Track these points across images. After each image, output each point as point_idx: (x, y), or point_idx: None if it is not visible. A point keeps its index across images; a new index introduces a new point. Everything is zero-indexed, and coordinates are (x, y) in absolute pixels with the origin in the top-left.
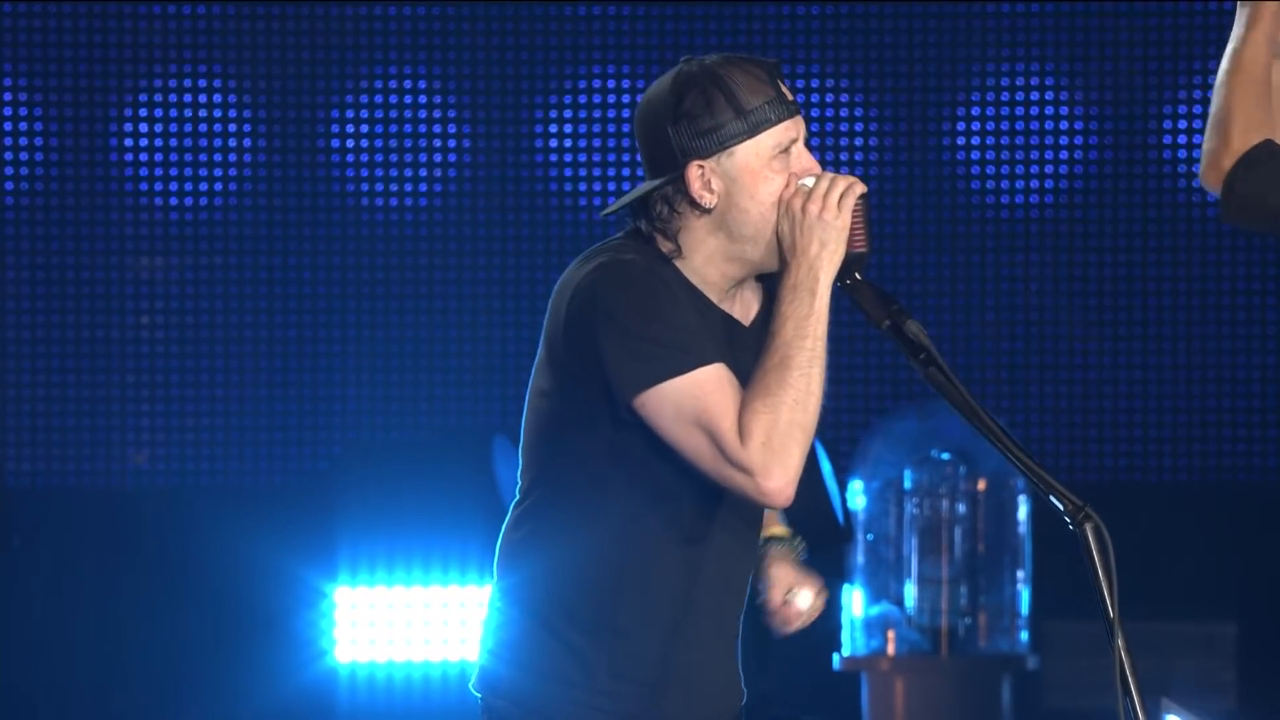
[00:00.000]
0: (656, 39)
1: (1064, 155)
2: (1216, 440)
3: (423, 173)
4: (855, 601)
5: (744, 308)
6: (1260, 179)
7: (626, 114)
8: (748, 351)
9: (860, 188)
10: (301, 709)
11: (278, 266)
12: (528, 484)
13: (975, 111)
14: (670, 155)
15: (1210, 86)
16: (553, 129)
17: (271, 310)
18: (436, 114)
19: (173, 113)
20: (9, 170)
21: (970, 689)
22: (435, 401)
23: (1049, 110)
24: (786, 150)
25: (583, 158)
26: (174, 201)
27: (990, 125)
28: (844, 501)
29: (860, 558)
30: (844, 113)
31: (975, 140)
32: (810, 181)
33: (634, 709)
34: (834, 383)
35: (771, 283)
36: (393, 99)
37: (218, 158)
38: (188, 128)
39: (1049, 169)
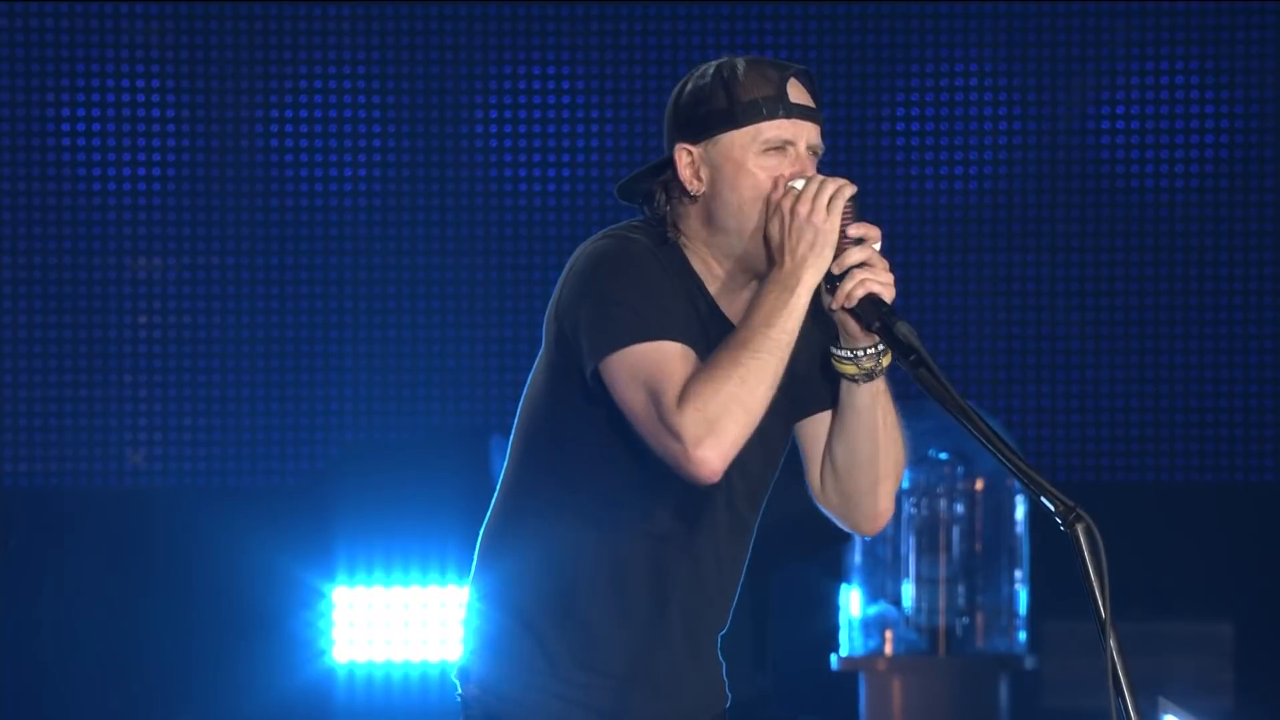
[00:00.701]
0: (654, 39)
1: (1060, 155)
2: (1214, 440)
3: (420, 172)
4: (853, 601)
5: (742, 307)
6: None
7: (624, 114)
8: None
9: (850, 190)
10: (299, 709)
11: (275, 267)
12: (508, 478)
13: (974, 111)
14: (670, 140)
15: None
16: (550, 129)
17: (269, 311)
18: (434, 114)
19: (170, 113)
20: (5, 170)
21: (968, 689)
22: (433, 402)
23: (1045, 110)
24: (780, 149)
25: (580, 158)
26: (171, 202)
27: (988, 125)
28: None
29: (858, 557)
30: (840, 112)
31: (973, 140)
32: (800, 184)
33: (599, 700)
34: None
35: None
36: (389, 99)
37: (215, 158)
38: (185, 128)
39: (1045, 169)
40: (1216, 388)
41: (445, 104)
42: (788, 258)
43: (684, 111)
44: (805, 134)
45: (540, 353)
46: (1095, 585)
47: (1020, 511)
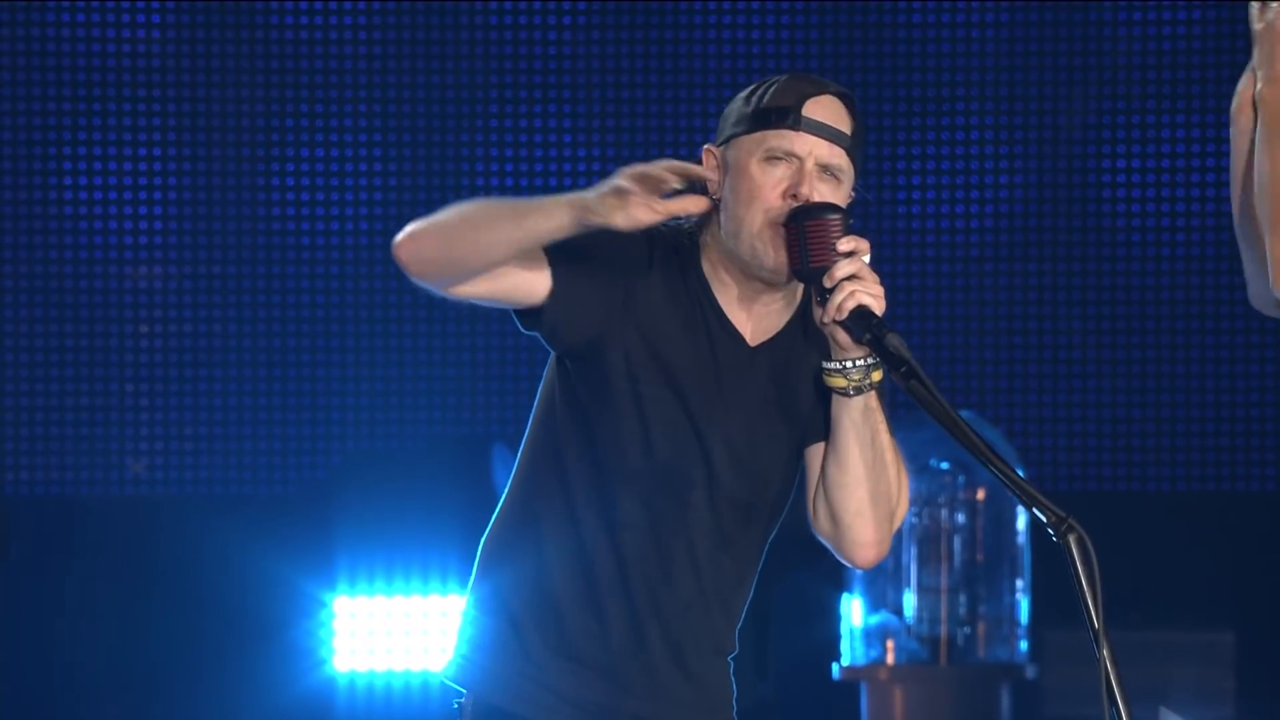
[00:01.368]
0: (656, 42)
1: (1061, 165)
2: (1215, 449)
3: (421, 181)
4: (854, 611)
5: (758, 322)
6: None
7: (625, 122)
8: (744, 370)
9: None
10: (300, 718)
11: (276, 276)
12: (511, 480)
13: (974, 120)
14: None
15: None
16: (552, 138)
17: (270, 319)
18: (435, 123)
19: (170, 122)
20: (6, 180)
21: (969, 698)
22: (434, 410)
23: (1047, 120)
24: (784, 160)
25: (581, 167)
26: (173, 211)
27: (989, 135)
28: None
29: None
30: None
31: (974, 149)
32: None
33: (571, 688)
34: None
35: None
36: (390, 108)
37: (216, 166)
38: (185, 137)
39: (1046, 178)
40: (1218, 397)
41: (447, 113)
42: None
43: (722, 116)
44: (816, 150)
45: None
46: (1088, 595)
47: (1021, 521)
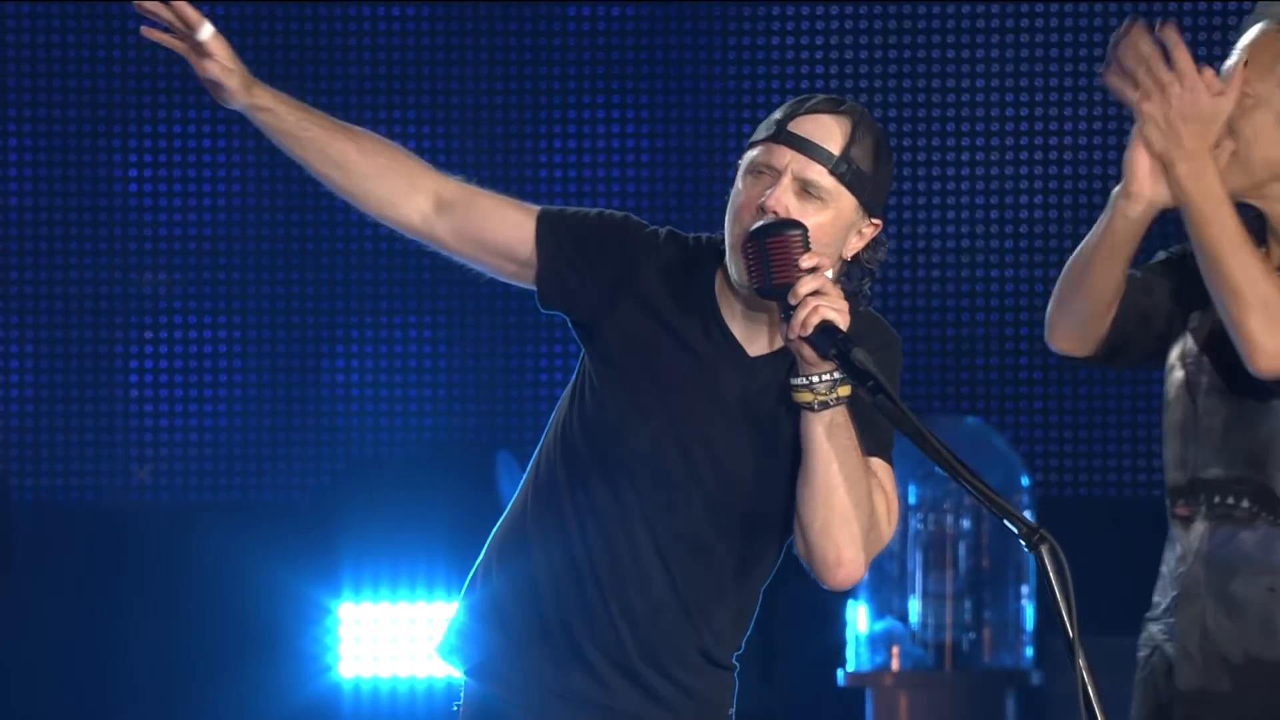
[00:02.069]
0: (660, 50)
1: (1068, 170)
2: None
3: None
4: (859, 617)
5: (757, 335)
6: None
7: (631, 129)
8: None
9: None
10: None
11: (281, 282)
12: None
13: (980, 126)
14: None
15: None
16: (557, 144)
17: (275, 326)
18: (440, 129)
19: (176, 128)
20: (14, 185)
21: (974, 704)
22: (439, 417)
23: (1053, 125)
24: (763, 173)
25: (587, 173)
26: (178, 217)
27: (995, 140)
28: None
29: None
30: None
31: (979, 155)
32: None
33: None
34: None
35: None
36: (395, 114)
37: (221, 173)
38: (191, 144)
39: (1052, 184)
40: None
41: (452, 118)
42: None
43: None
44: (794, 165)
45: None
46: (1062, 605)
47: None
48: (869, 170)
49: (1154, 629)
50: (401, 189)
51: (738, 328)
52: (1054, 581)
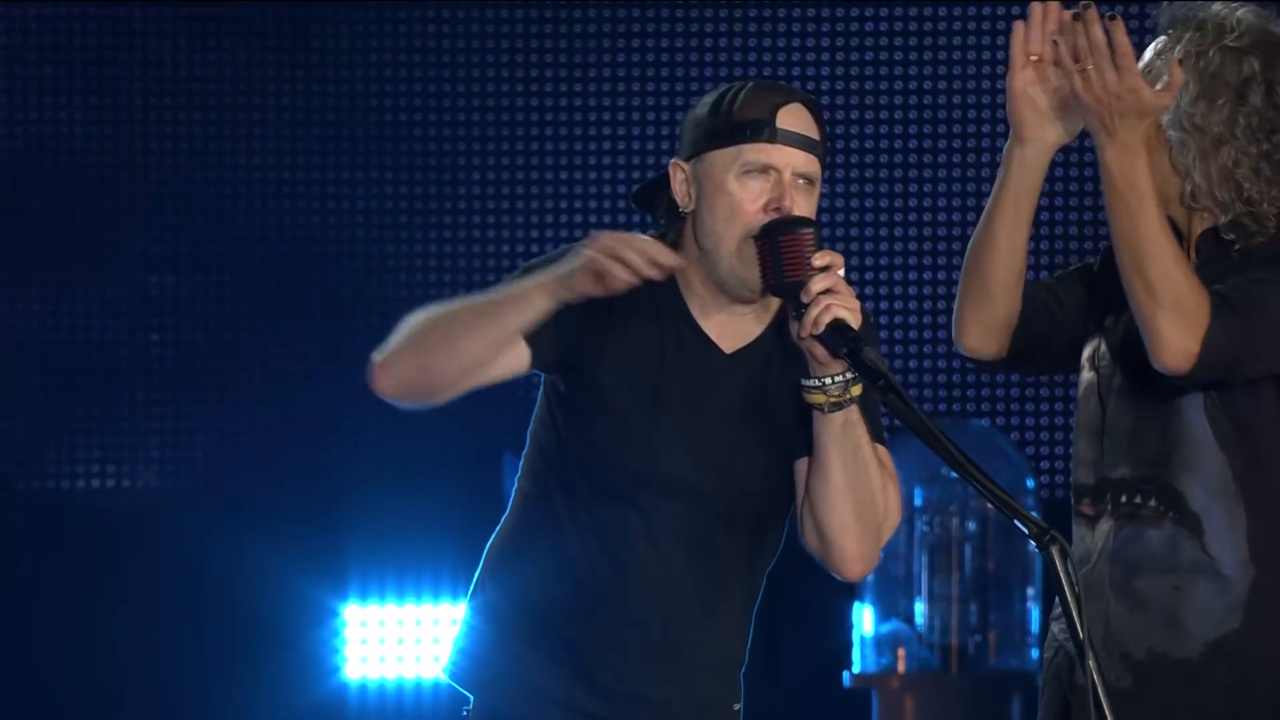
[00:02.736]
0: (653, 52)
1: (1074, 172)
2: None
3: (432, 190)
4: (865, 619)
5: (732, 331)
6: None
7: (635, 131)
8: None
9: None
10: None
11: (287, 284)
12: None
13: (986, 128)
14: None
15: None
16: (562, 146)
17: (282, 326)
18: (445, 131)
19: (181, 130)
20: (19, 186)
21: (980, 706)
22: (445, 420)
23: None
24: (761, 173)
25: (592, 176)
26: (184, 219)
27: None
28: None
29: (870, 575)
30: (854, 115)
31: (984, 157)
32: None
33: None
34: None
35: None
36: (401, 116)
37: (228, 175)
38: (197, 145)
39: (1059, 185)
40: None
41: (457, 121)
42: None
43: (684, 128)
44: (792, 161)
45: None
46: (1072, 606)
47: None
48: (830, 147)
49: (1055, 628)
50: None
51: (711, 328)
52: (1064, 582)
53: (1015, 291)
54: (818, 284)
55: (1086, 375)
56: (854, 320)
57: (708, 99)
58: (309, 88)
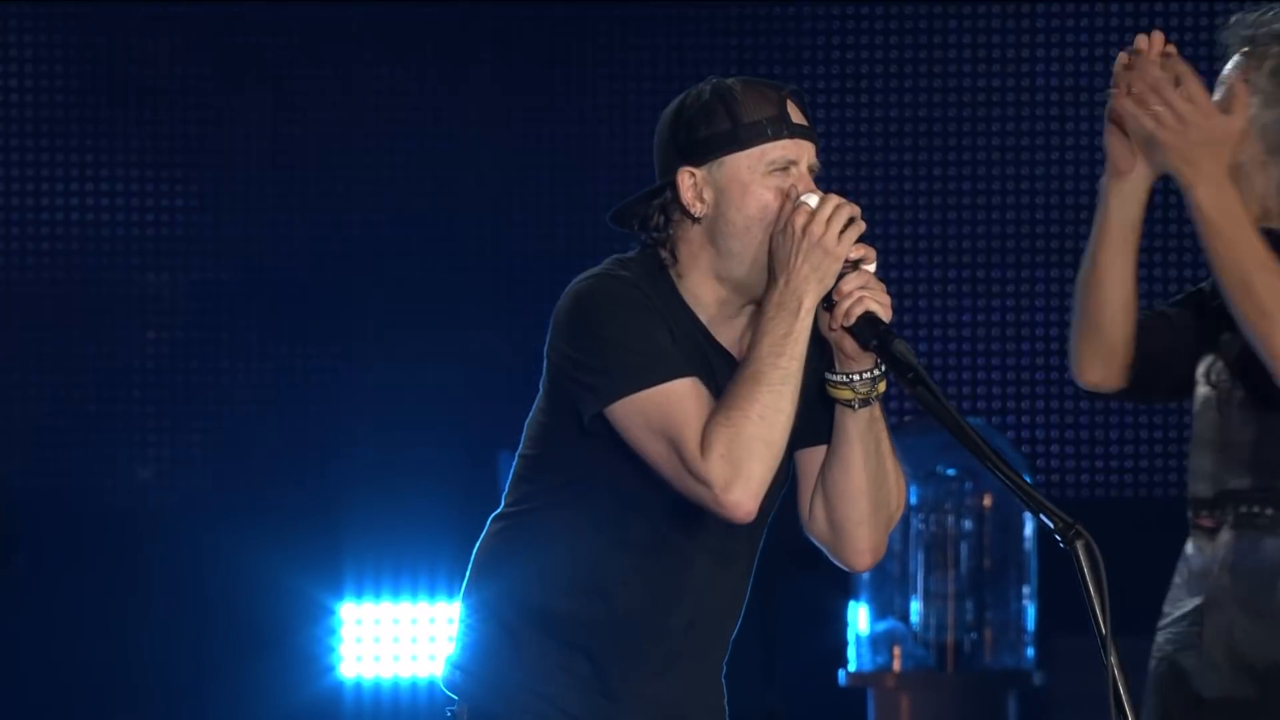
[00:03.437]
0: (649, 52)
1: (1070, 170)
2: None
3: (429, 187)
4: (861, 617)
5: (737, 337)
6: None
7: (637, 130)
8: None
9: (862, 223)
10: None
11: (284, 283)
12: (510, 490)
13: (982, 127)
14: (669, 162)
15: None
16: (560, 144)
17: (278, 326)
18: (444, 129)
19: (178, 129)
20: (14, 184)
21: (976, 705)
22: (441, 417)
23: (1055, 125)
24: (784, 170)
25: (589, 173)
26: (180, 217)
27: (997, 141)
28: None
29: (866, 573)
30: (849, 114)
31: (982, 155)
32: (813, 201)
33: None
34: None
35: None
36: (399, 115)
37: (223, 174)
38: (194, 144)
39: (1054, 185)
40: None
41: (455, 118)
42: (788, 277)
43: (684, 135)
44: (806, 153)
45: (542, 376)
46: (1096, 602)
47: (1029, 527)
48: None
49: (1161, 638)
50: None
51: (721, 335)
52: (1088, 577)
53: (1128, 324)
54: (849, 282)
55: (1202, 390)
56: (885, 314)
57: (699, 103)
58: (306, 85)
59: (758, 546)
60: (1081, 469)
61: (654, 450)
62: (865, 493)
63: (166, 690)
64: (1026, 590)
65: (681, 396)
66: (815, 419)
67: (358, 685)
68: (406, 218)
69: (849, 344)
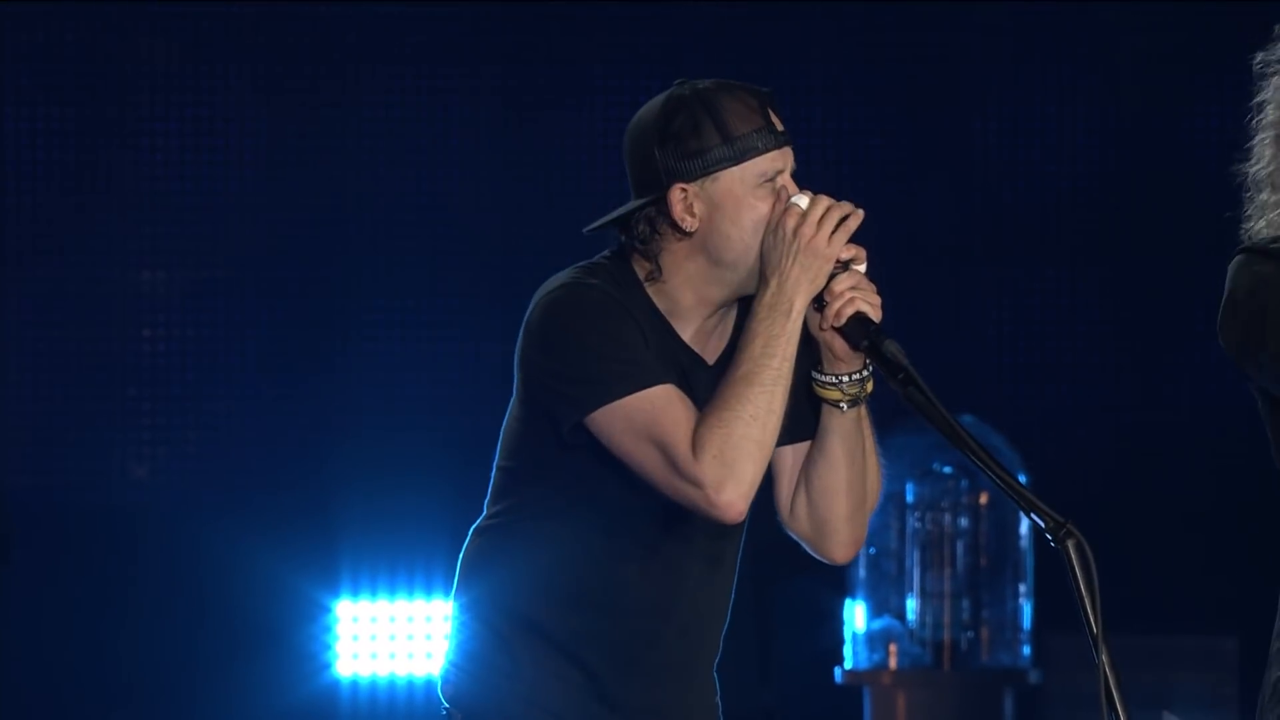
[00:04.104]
0: (646, 49)
1: (1065, 169)
2: (1218, 455)
3: (424, 185)
4: (857, 615)
5: (714, 343)
6: None
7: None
8: (704, 389)
9: (857, 220)
10: None
11: (279, 280)
12: (492, 502)
13: (978, 124)
14: (655, 176)
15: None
16: (555, 143)
17: (273, 323)
18: (439, 127)
19: (173, 126)
20: (10, 183)
21: (972, 703)
22: (437, 416)
23: (1052, 124)
24: (772, 180)
25: (585, 175)
26: (175, 215)
27: (992, 139)
28: None
29: (862, 572)
30: (847, 111)
31: (977, 155)
32: (803, 202)
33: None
34: None
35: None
36: (395, 113)
37: (219, 171)
38: (189, 141)
39: (1050, 182)
40: (1221, 402)
41: (450, 117)
42: (780, 279)
43: (673, 149)
44: (789, 160)
45: (515, 382)
46: (1087, 600)
47: (1024, 525)
48: None
49: (1277, 646)
50: None
51: (696, 344)
52: (1079, 577)
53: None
54: (840, 283)
55: None
56: (875, 314)
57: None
58: (300, 84)
59: (740, 547)
60: (1075, 466)
61: (641, 455)
62: (851, 490)
63: (162, 688)
64: (1023, 588)
65: (668, 401)
66: (796, 415)
67: (354, 683)
68: (405, 217)
69: (839, 344)
